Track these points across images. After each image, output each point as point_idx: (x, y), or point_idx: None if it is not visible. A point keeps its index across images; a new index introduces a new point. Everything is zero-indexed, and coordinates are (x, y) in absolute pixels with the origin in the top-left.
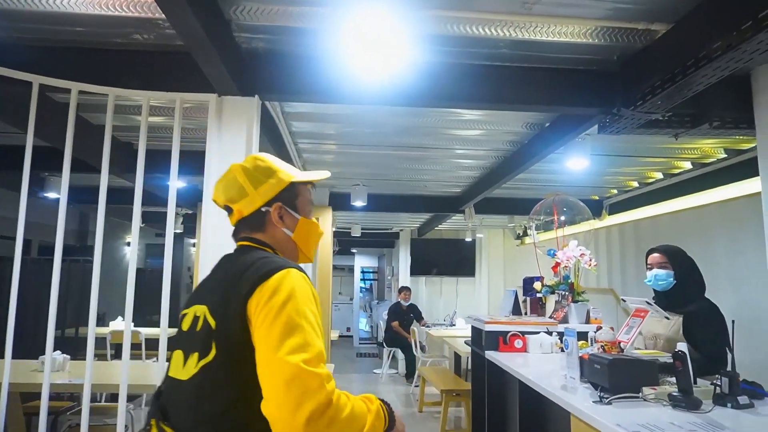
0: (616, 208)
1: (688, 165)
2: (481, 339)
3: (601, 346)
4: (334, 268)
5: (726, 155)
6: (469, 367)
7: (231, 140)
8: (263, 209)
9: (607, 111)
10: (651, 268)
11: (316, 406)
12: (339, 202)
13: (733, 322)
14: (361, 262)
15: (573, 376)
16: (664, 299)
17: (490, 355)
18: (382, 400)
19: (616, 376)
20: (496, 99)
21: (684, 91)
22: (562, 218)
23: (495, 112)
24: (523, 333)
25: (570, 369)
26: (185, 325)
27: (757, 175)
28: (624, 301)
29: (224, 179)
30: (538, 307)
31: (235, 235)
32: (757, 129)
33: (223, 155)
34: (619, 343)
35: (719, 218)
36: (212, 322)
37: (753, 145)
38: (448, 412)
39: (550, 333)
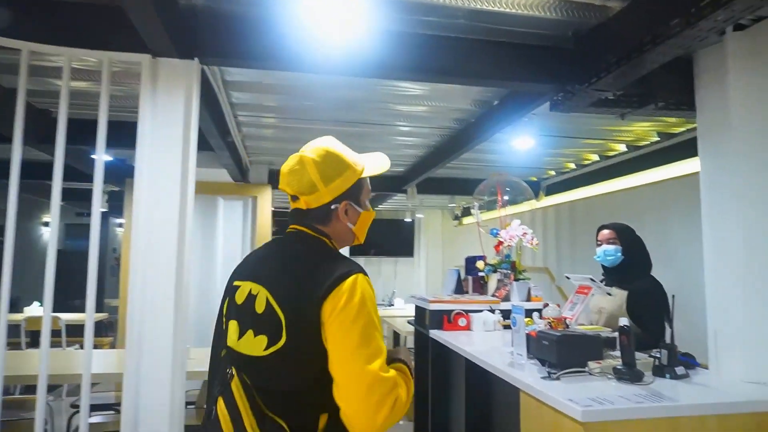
0: (553, 189)
1: (623, 147)
2: (424, 318)
3: (548, 322)
4: None
5: (659, 138)
6: (409, 346)
7: (167, 109)
8: (332, 206)
9: (561, 88)
10: (600, 245)
11: (390, 406)
12: (278, 179)
13: (673, 297)
14: None
15: (520, 353)
16: (614, 274)
17: (435, 334)
18: (402, 361)
19: (564, 351)
20: (452, 72)
21: (639, 69)
22: (505, 198)
23: (442, 88)
24: (467, 311)
25: (517, 346)
26: (239, 298)
27: (687, 157)
28: (568, 278)
29: (295, 171)
30: (479, 286)
31: (293, 218)
32: (698, 110)
33: (158, 126)
34: (565, 319)
35: (650, 199)
36: (280, 313)
37: (684, 129)
38: None
39: (493, 311)
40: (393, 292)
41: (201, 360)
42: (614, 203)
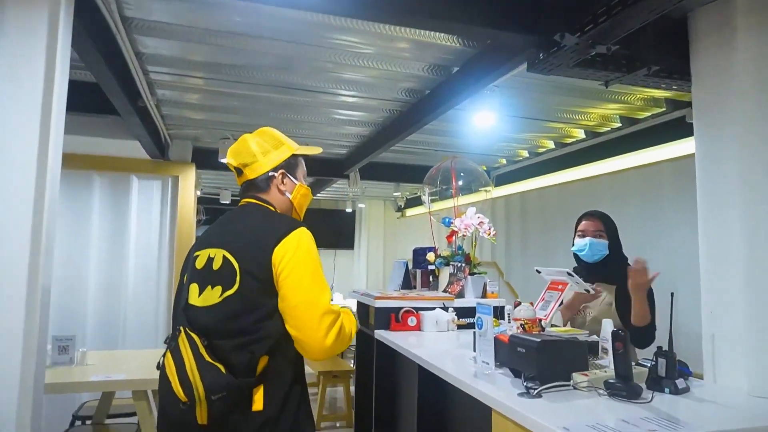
0: (504, 179)
1: (581, 134)
2: (369, 317)
3: (521, 324)
4: None
5: (620, 124)
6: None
7: (18, 33)
8: (270, 174)
9: (547, 40)
10: (583, 236)
11: (336, 332)
12: (205, 159)
13: (672, 294)
14: None
15: (487, 360)
16: (595, 269)
17: (381, 335)
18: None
19: (546, 361)
20: (418, 11)
21: (645, 13)
22: (460, 183)
23: (393, 47)
24: (418, 309)
25: (483, 352)
26: (199, 264)
27: (650, 146)
28: (539, 272)
29: (237, 146)
30: (428, 281)
31: (242, 193)
32: (694, 79)
33: (5, 71)
34: (540, 320)
35: (607, 190)
36: (235, 264)
37: (649, 114)
38: (326, 394)
39: (446, 309)
40: (332, 286)
41: (105, 367)
42: (569, 194)
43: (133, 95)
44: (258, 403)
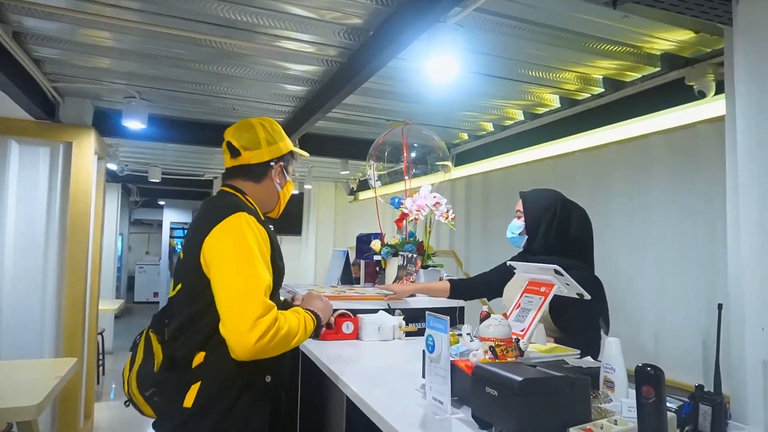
0: (465, 157)
1: (556, 102)
2: None
3: (491, 346)
4: (141, 223)
5: (603, 89)
6: None
7: None
8: (270, 163)
9: None
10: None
11: (269, 338)
12: (110, 124)
13: (720, 307)
14: (172, 216)
15: (440, 399)
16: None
17: (307, 346)
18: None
19: (532, 410)
20: None
21: None
22: (413, 155)
23: None
24: (356, 312)
25: (435, 387)
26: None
27: (637, 116)
28: (513, 268)
29: (243, 128)
30: (374, 274)
31: (225, 178)
32: (735, 17)
33: None
34: (518, 340)
35: (584, 169)
36: (182, 258)
37: (639, 75)
38: None
39: (392, 311)
40: None
41: None
42: (538, 174)
43: None
44: (189, 399)
